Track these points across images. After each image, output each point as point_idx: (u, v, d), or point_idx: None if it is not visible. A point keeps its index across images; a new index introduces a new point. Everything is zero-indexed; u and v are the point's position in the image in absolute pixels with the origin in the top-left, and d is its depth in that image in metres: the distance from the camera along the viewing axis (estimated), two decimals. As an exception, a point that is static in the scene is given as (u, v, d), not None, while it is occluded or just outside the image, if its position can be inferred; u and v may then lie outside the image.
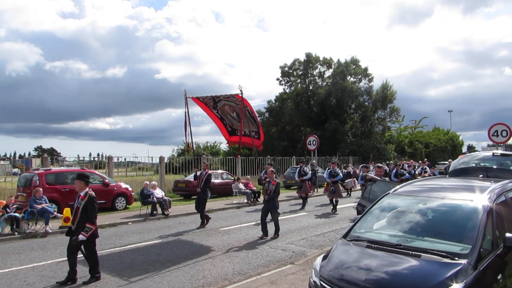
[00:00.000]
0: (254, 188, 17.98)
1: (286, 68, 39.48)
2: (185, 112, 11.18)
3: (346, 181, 18.60)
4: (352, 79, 38.37)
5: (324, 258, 4.22)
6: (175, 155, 37.29)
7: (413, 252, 3.72)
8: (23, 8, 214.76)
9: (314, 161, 21.77)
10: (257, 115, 11.88)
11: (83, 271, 6.51)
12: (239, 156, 21.84)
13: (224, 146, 43.15)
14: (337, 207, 14.00)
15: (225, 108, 11.49)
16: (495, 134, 14.57)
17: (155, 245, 9.13)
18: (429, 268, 3.49)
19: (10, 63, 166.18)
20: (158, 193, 13.97)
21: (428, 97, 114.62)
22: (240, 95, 10.13)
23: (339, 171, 16.06)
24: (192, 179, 14.93)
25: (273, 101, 40.08)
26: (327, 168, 16.60)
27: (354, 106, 38.41)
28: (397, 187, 5.27)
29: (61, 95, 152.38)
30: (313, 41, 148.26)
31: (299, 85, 39.15)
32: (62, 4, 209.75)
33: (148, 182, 14.10)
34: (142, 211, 13.79)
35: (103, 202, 14.39)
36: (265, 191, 9.91)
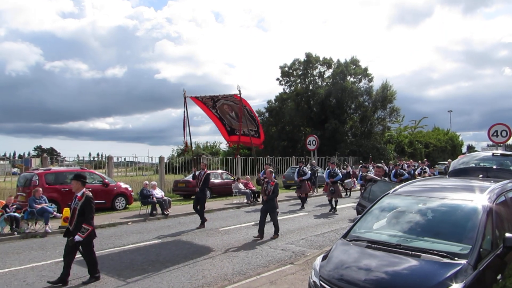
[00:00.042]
0: (254, 188, 17.97)
1: (286, 68, 39.51)
2: (184, 112, 11.19)
3: (345, 181, 18.60)
4: (352, 79, 38.41)
5: (324, 258, 4.22)
6: (175, 155, 37.30)
7: (413, 252, 3.71)
8: (23, 8, 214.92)
9: (314, 161, 21.77)
10: (256, 114, 11.85)
11: (82, 271, 6.51)
12: (238, 156, 21.81)
13: (223, 146, 43.23)
14: (337, 207, 14.01)
15: (224, 108, 11.48)
16: (495, 134, 14.58)
17: (154, 245, 9.12)
18: (429, 268, 3.49)
19: (10, 63, 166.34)
20: (158, 193, 13.97)
21: (428, 97, 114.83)
22: (239, 95, 10.13)
23: (339, 171, 16.05)
24: (191, 179, 14.93)
25: (273, 101, 40.12)
26: (326, 168, 16.60)
27: (354, 106, 38.44)
28: (397, 187, 5.26)
29: (61, 95, 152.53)
30: (313, 41, 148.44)
31: (299, 85, 39.18)
32: (62, 4, 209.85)
33: (147, 182, 14.09)
34: (141, 211, 13.79)
35: (102, 202, 14.42)
36: (263, 191, 9.86)
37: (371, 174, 10.39)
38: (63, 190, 13.25)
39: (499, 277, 3.56)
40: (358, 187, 15.58)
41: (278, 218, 9.93)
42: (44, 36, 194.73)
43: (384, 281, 3.52)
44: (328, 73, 39.44)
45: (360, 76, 38.49)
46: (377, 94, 37.47)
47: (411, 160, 26.60)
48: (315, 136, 24.35)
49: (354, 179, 17.99)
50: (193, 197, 16.41)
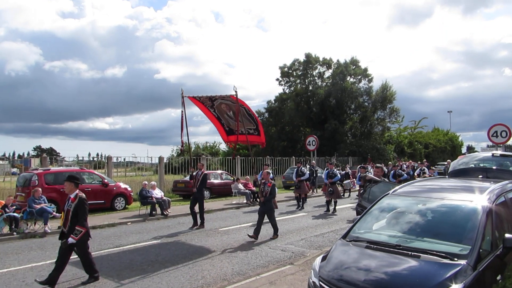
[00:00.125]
0: (254, 189, 17.94)
1: (286, 69, 39.52)
2: (182, 112, 11.17)
3: (344, 182, 18.59)
4: (351, 79, 38.42)
5: (323, 258, 4.21)
6: (175, 155, 37.30)
7: (413, 253, 3.71)
8: (23, 8, 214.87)
9: (313, 161, 21.78)
10: (254, 112, 11.82)
11: (82, 272, 6.49)
12: (237, 156, 21.81)
13: (223, 146, 43.23)
14: (336, 207, 14.01)
15: (222, 107, 11.47)
16: (495, 134, 14.59)
17: (154, 246, 9.11)
18: (429, 268, 3.49)
19: (10, 62, 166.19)
20: (157, 193, 13.95)
21: (427, 97, 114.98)
22: (235, 95, 10.13)
23: (337, 171, 16.04)
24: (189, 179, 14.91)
25: (273, 102, 40.14)
26: (325, 169, 16.59)
27: (353, 106, 38.44)
28: (397, 187, 5.26)
29: (60, 95, 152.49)
30: (313, 42, 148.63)
31: (299, 85, 39.19)
32: (62, 4, 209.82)
33: (147, 182, 14.08)
34: (141, 211, 13.77)
35: (102, 202, 14.42)
36: (260, 193, 9.78)
37: (370, 174, 10.38)
38: (63, 190, 13.11)
39: (498, 277, 3.56)
40: (357, 187, 15.59)
41: (278, 218, 9.93)
42: (44, 36, 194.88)
43: (383, 281, 3.51)
44: (328, 73, 39.49)
45: (360, 77, 38.49)
46: (377, 95, 37.47)
47: (410, 161, 26.58)
48: (315, 136, 24.35)
49: (354, 179, 17.98)
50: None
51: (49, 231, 10.56)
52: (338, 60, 39.07)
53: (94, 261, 6.42)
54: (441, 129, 50.02)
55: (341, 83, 36.71)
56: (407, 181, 6.94)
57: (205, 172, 11.91)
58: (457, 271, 3.37)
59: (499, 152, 7.87)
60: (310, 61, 38.53)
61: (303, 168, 16.27)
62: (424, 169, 19.12)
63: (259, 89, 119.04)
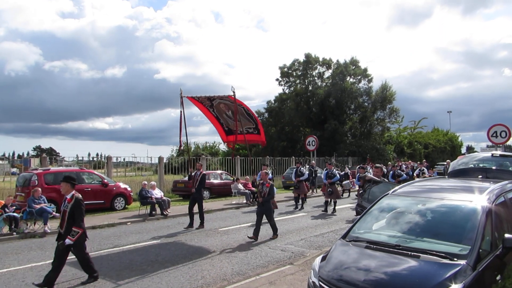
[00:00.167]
0: (253, 189, 17.96)
1: (286, 69, 39.51)
2: (181, 112, 11.18)
3: (344, 182, 18.59)
4: (351, 79, 38.41)
5: (323, 258, 4.22)
6: (174, 155, 37.27)
7: (412, 253, 3.71)
8: (23, 8, 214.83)
9: (313, 161, 21.78)
10: (254, 112, 11.83)
11: (81, 272, 6.49)
12: (237, 156, 21.81)
13: (223, 146, 43.18)
14: (336, 207, 14.01)
15: (220, 107, 11.47)
16: (494, 135, 14.60)
17: (154, 246, 9.11)
18: (428, 268, 3.49)
19: (10, 62, 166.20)
20: (157, 193, 13.95)
21: (427, 97, 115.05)
22: (233, 96, 10.13)
23: (336, 172, 16.04)
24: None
25: (273, 102, 40.13)
26: (324, 169, 16.60)
27: (353, 106, 38.43)
28: (396, 187, 5.26)
29: (60, 95, 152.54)
30: (313, 42, 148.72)
31: (299, 85, 39.17)
32: (62, 4, 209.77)
33: (146, 182, 14.08)
34: (141, 211, 13.77)
35: (102, 202, 14.41)
36: (259, 193, 9.72)
37: (369, 174, 10.38)
38: (62, 190, 13.21)
39: (498, 277, 3.56)
40: (356, 187, 15.59)
41: (277, 218, 9.92)
42: (44, 36, 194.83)
43: (383, 281, 3.51)
44: (328, 73, 39.48)
45: (359, 77, 38.48)
46: (377, 95, 37.47)
47: (409, 161, 26.59)
48: (315, 136, 24.35)
49: (353, 179, 17.98)
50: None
51: (48, 231, 10.56)
52: (337, 60, 39.13)
53: (92, 261, 6.41)
54: (441, 129, 50.06)
55: (340, 83, 36.71)
56: (406, 181, 6.94)
57: (204, 172, 11.90)
58: (456, 271, 3.37)
59: (498, 152, 7.87)
60: (309, 61, 38.53)
61: (302, 168, 16.29)
62: (423, 170, 19.11)
63: (259, 89, 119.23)
